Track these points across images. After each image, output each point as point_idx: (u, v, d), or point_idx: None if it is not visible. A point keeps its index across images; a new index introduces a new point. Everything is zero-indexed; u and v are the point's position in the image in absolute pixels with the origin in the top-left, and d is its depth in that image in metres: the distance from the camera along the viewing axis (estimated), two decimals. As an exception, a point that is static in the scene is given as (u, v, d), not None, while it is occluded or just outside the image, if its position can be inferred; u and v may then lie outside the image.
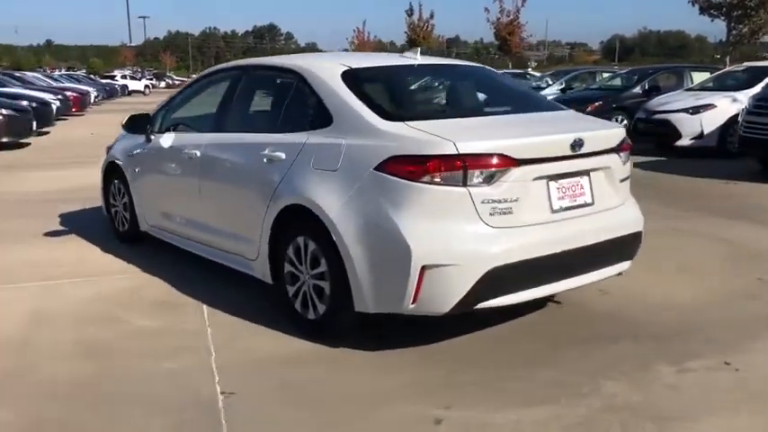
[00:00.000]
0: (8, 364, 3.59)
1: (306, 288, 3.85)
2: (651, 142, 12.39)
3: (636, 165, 10.90)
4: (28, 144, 14.40)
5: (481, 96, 4.52)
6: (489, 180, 3.33)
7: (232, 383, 3.34)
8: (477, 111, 4.13)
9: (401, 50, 6.07)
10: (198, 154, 4.74)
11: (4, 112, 13.00)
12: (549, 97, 15.75)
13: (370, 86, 3.98)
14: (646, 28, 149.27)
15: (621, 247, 3.92)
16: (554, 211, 3.56)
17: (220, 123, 4.74)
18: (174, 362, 3.60)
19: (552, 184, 3.56)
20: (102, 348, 3.79)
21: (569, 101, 14.53)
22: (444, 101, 4.37)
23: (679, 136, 11.37)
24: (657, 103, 12.12)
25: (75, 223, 6.83)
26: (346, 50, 37.67)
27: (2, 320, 4.18)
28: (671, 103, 11.83)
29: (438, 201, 3.31)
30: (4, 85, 19.80)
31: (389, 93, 4.06)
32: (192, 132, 5.02)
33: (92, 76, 49.51)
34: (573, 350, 3.74)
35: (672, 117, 11.46)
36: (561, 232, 3.56)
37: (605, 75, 17.06)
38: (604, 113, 13.69)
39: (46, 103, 16.65)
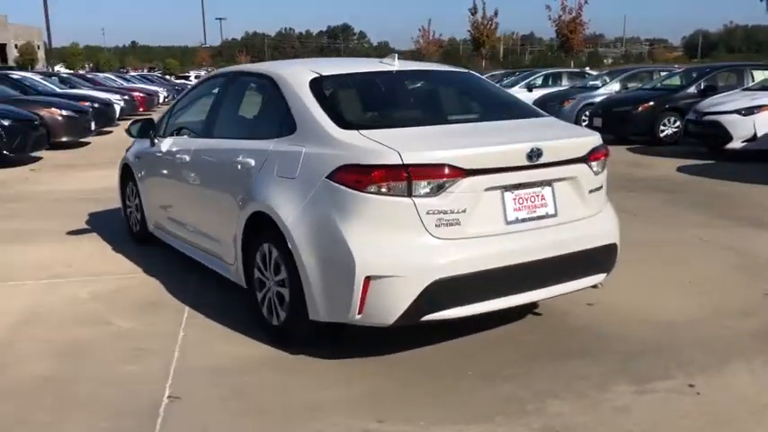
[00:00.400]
0: (-16, 360, 3.78)
1: (270, 294, 3.89)
2: (702, 145, 11.89)
3: (680, 168, 10.60)
4: (87, 143, 15.06)
5: (455, 103, 4.47)
6: (435, 191, 3.27)
7: (182, 388, 3.40)
8: (441, 118, 4.05)
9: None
10: (187, 159, 4.85)
11: (63, 113, 13.64)
12: (601, 98, 15.37)
13: (336, 94, 3.97)
14: (732, 22, 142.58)
15: (592, 260, 3.78)
16: (509, 223, 3.46)
17: (208, 129, 4.84)
18: (137, 364, 3.70)
19: (508, 194, 3.47)
20: (79, 349, 3.92)
21: (619, 102, 14.15)
22: (410, 108, 4.32)
23: (730, 138, 10.85)
24: (709, 103, 11.59)
25: (99, 223, 7.10)
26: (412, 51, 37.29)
27: (-5, 318, 4.39)
28: (723, 103, 11.29)
29: (383, 211, 3.28)
30: (74, 87, 20.79)
31: (354, 100, 4.03)
32: (186, 137, 5.14)
33: (167, 76, 51.29)
34: (536, 364, 3.63)
35: (722, 118, 10.94)
36: (517, 244, 3.47)
37: (663, 73, 16.42)
38: (656, 114, 13.30)
39: (108, 104, 17.35)
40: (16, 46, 79.37)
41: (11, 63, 60.17)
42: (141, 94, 24.14)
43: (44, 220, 7.35)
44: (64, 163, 12.05)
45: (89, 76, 26.92)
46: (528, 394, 3.29)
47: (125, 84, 27.60)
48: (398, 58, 4.38)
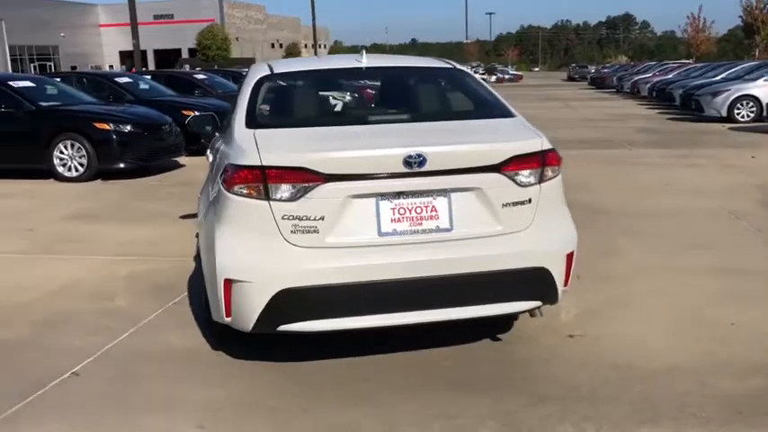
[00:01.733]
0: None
1: None
2: None
3: None
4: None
5: (395, 102, 4.15)
6: (293, 195, 3.10)
7: (92, 367, 3.65)
8: (359, 119, 3.77)
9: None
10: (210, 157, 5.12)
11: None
12: None
13: (270, 92, 3.93)
14: None
15: (508, 285, 3.29)
16: (382, 234, 3.15)
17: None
18: (89, 338, 4.02)
19: (384, 203, 3.15)
20: (63, 320, 4.36)
21: None
22: (334, 108, 4.08)
23: None
24: None
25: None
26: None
27: (37, 285, 5.05)
28: None
29: (244, 213, 3.20)
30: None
31: (281, 99, 3.93)
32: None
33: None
34: (424, 395, 3.25)
35: None
36: (392, 258, 3.14)
37: None
38: None
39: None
40: (306, 46, 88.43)
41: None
42: (371, 91, 25.51)
43: (181, 203, 8.16)
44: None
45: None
46: (371, 427, 2.98)
47: (361, 82, 29.25)
48: (416, 54, 4.18)
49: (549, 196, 3.38)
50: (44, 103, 10.33)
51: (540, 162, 3.32)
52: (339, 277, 3.11)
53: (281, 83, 4.03)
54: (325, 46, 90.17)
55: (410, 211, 3.17)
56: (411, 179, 3.13)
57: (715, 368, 3.45)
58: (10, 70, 46.56)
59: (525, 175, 3.27)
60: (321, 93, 4.20)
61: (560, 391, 3.24)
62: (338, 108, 4.10)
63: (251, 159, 3.15)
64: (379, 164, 3.12)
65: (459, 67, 4.30)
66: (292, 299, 3.11)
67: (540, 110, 22.08)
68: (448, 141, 3.30)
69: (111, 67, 60.95)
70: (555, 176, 3.41)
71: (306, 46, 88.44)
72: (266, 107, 3.78)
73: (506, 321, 3.97)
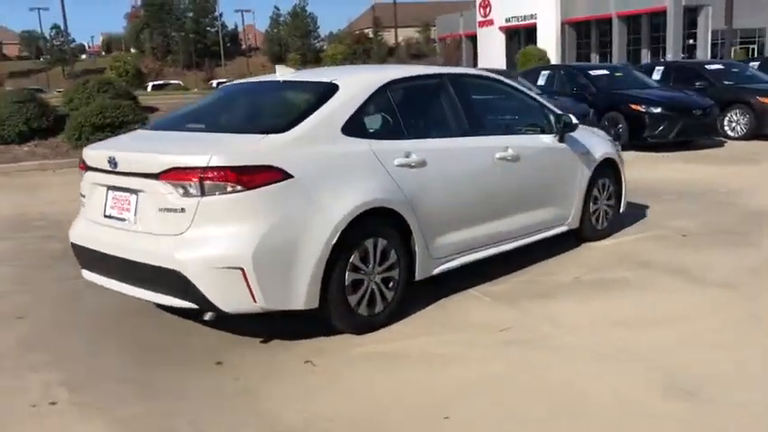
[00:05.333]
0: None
1: None
2: None
3: None
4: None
5: (229, 114, 5.08)
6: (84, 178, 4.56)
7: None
8: (182, 126, 4.79)
9: None
10: None
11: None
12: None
13: (204, 101, 5.57)
14: None
15: (157, 278, 3.94)
16: (105, 216, 4.32)
17: None
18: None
19: (110, 193, 4.30)
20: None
21: None
22: (192, 115, 5.12)
23: None
24: None
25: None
26: None
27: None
28: None
29: None
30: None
31: (190, 107, 5.39)
32: None
33: None
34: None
35: None
36: (105, 236, 4.27)
37: None
38: None
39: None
40: None
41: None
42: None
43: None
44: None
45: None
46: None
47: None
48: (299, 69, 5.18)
49: (214, 210, 3.78)
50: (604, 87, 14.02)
51: (200, 177, 3.75)
52: (84, 242, 4.44)
53: (220, 92, 5.47)
54: None
55: (119, 201, 4.23)
56: (117, 176, 4.18)
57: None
58: (709, 55, 43.04)
59: (181, 186, 3.81)
60: (211, 102, 5.43)
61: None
62: (193, 116, 5.06)
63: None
64: (99, 161, 4.33)
65: (336, 82, 4.54)
66: (77, 252, 4.53)
67: None
68: (131, 149, 4.38)
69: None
70: (230, 193, 3.75)
71: None
72: (180, 112, 5.26)
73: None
